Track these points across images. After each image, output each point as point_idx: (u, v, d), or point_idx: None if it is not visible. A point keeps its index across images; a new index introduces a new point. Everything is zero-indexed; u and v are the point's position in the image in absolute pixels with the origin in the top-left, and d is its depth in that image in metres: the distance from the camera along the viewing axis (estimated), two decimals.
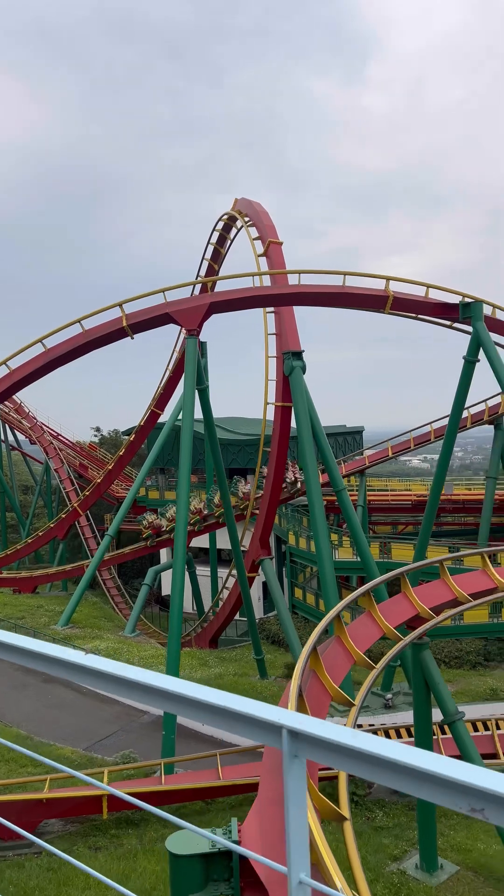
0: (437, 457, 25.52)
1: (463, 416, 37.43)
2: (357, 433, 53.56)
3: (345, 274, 21.44)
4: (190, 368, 20.35)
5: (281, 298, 20.73)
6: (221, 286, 28.80)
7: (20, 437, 58.90)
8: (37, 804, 15.49)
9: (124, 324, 20.53)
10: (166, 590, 43.79)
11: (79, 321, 20.89)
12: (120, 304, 20.72)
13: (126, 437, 57.18)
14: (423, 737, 13.51)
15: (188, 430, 20.13)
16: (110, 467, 45.04)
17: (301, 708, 7.45)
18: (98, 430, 65.32)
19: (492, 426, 33.59)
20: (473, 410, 34.67)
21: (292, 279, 22.08)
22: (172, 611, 19.21)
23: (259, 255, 27.18)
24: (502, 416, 33.02)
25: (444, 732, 16.76)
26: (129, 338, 21.14)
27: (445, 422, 38.22)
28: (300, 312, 25.49)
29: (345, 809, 7.29)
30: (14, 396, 48.73)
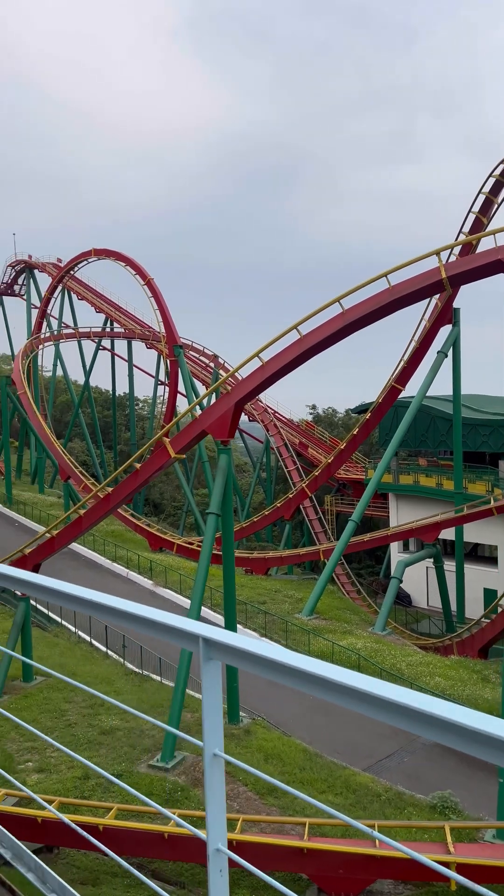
0: None
1: None
2: None
3: None
4: None
5: None
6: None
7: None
8: (369, 860, 12.63)
9: (443, 275, 16.91)
10: (407, 584, 39.95)
11: (384, 275, 17.62)
12: (437, 253, 17.14)
13: (354, 415, 54.19)
14: None
15: None
16: (342, 447, 42.18)
17: None
18: (314, 407, 63.00)
19: None
20: None
21: None
22: None
23: None
24: None
25: None
26: (443, 292, 17.56)
27: None
28: None
29: None
30: (237, 373, 47.38)
